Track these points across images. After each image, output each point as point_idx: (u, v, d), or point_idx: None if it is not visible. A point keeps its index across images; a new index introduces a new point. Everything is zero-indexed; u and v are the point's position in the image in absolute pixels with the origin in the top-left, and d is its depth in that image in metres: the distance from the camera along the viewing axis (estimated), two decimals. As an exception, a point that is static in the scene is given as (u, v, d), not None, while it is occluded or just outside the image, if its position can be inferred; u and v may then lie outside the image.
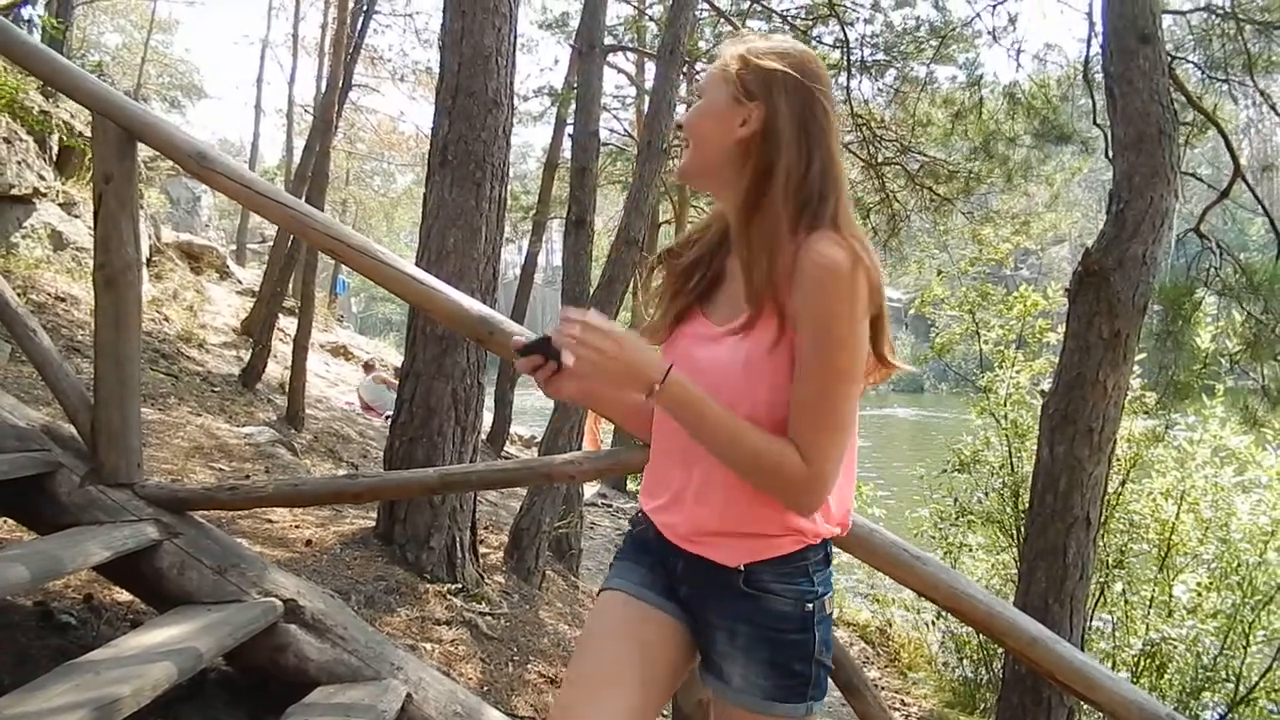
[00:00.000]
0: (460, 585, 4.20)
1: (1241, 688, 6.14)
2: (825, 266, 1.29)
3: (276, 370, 10.90)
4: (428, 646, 3.50)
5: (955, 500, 7.65)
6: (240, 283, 16.11)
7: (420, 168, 28.87)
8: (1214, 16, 4.19)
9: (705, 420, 1.33)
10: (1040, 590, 3.11)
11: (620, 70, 16.20)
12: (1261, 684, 6.12)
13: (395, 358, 16.80)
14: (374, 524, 4.36)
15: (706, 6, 7.89)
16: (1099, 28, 3.52)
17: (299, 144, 19.49)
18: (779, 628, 1.42)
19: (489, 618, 4.16)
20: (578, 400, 1.54)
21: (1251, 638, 6.17)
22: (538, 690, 3.63)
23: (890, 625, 8.44)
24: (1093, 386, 2.98)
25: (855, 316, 1.30)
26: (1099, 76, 3.78)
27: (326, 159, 10.00)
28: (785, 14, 8.00)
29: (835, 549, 2.32)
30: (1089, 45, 4.93)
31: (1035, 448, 7.07)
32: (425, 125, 22.67)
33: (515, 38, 4.53)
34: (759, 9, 8.00)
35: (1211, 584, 6.36)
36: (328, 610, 2.54)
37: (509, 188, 4.68)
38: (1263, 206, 4.23)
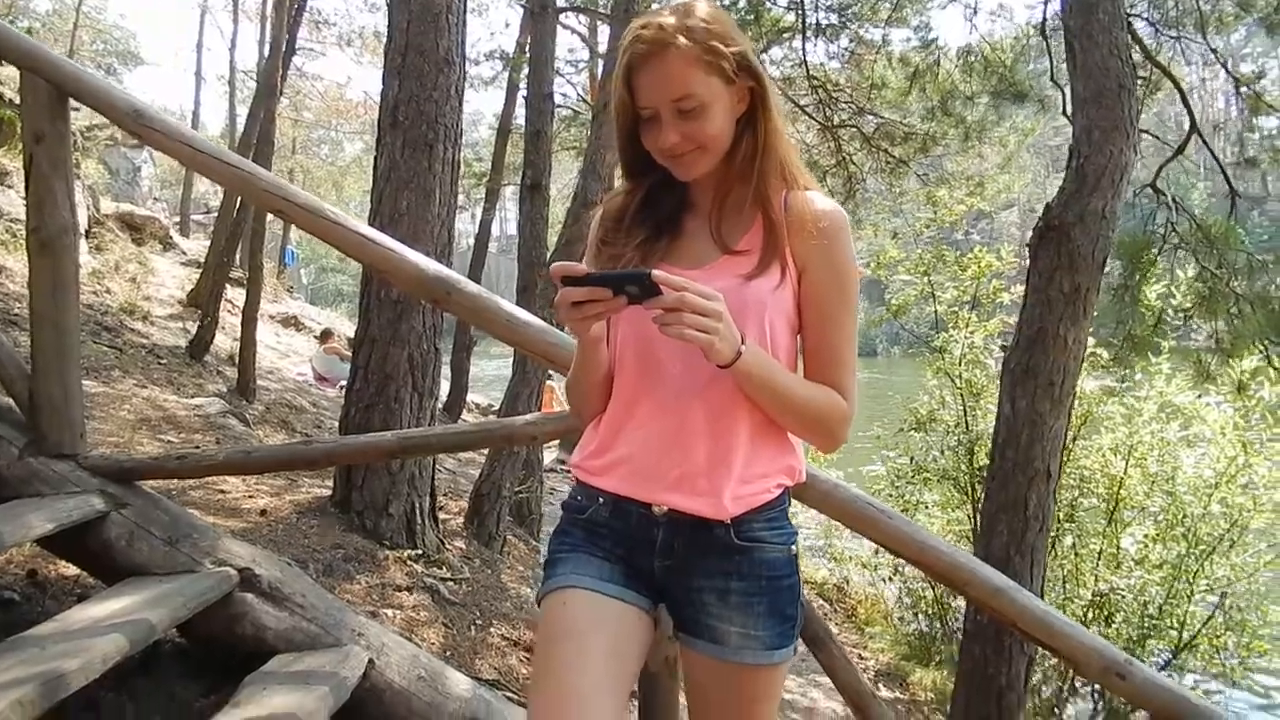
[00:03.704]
0: (420, 551, 4.16)
1: (1185, 635, 6.34)
2: (839, 219, 1.40)
3: (225, 342, 10.66)
4: (389, 613, 3.46)
5: (912, 459, 7.76)
6: (185, 254, 15.68)
7: (369, 135, 28.29)
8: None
9: (778, 378, 1.34)
10: (1002, 542, 3.15)
11: (574, 31, 15.96)
12: (1204, 631, 6.33)
13: (348, 328, 16.55)
14: (330, 492, 4.29)
15: (660, -35, 7.77)
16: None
17: (242, 112, 18.96)
18: (772, 575, 1.41)
19: (450, 583, 4.12)
20: (591, 344, 1.42)
21: (1195, 587, 6.37)
22: (501, 653, 3.61)
23: (848, 583, 8.59)
24: (1054, 340, 3.01)
25: (855, 264, 1.42)
26: (1055, 40, 3.77)
27: (272, 124, 9.71)
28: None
29: (802, 505, 2.33)
30: (1046, 2, 4.94)
31: (988, 407, 7.26)
32: (374, 91, 22.21)
33: (466, -5, 4.40)
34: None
35: (1158, 536, 6.54)
36: (285, 578, 2.48)
37: (462, 151, 4.57)
38: (1218, 162, 4.29)
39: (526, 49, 11.76)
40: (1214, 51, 4.72)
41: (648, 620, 1.44)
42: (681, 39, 1.31)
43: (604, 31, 13.15)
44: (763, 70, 1.41)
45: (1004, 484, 3.12)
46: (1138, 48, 3.54)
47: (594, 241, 1.53)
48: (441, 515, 4.68)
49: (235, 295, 12.41)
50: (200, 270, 12.73)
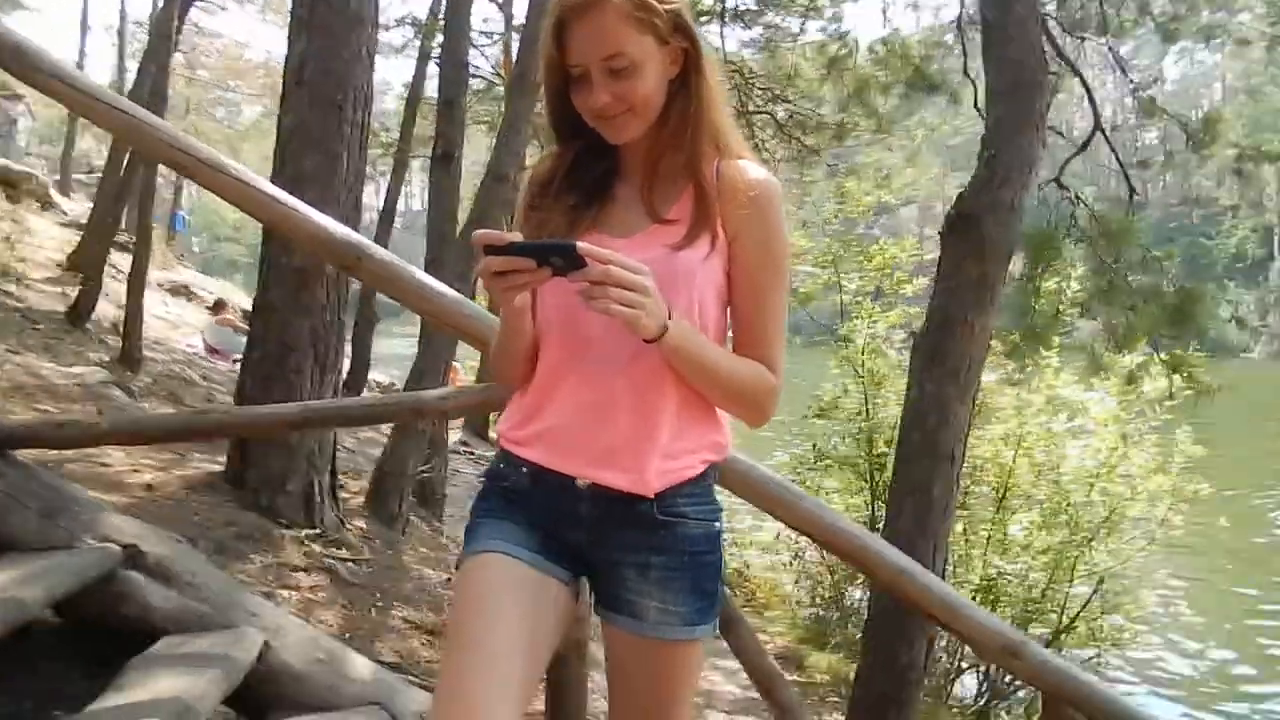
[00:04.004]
0: (319, 531, 4.01)
1: (1064, 618, 6.66)
2: (772, 188, 1.37)
3: (109, 309, 10.07)
4: (285, 594, 3.33)
5: (814, 446, 7.91)
6: (66, 214, 14.76)
7: (269, 99, 27.11)
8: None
9: (708, 351, 1.32)
10: (907, 525, 3.23)
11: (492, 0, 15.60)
12: (1082, 614, 6.66)
13: (243, 301, 15.91)
14: (223, 467, 4.09)
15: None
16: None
17: (132, 66, 17.90)
18: (693, 551, 1.39)
19: (350, 564, 4.00)
20: (514, 316, 1.37)
21: (1075, 572, 6.70)
22: (402, 635, 3.51)
23: (748, 566, 8.72)
24: (961, 327, 3.09)
25: (787, 236, 1.41)
26: (969, 34, 3.85)
27: (165, 77, 9.17)
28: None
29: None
30: (963, -2, 5.07)
31: (889, 395, 7.46)
32: (277, 53, 21.23)
33: (381, -50, 4.23)
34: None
35: (1043, 523, 6.84)
36: (174, 556, 2.34)
37: (371, 117, 4.41)
38: (1118, 159, 4.49)
39: (440, 16, 11.51)
40: (1114, 54, 4.94)
41: (567, 591, 1.41)
42: None
43: (521, 3, 12.93)
44: (698, 32, 1.37)
45: (909, 467, 3.20)
46: (1049, 45, 3.66)
47: (522, 206, 1.48)
48: (341, 494, 4.53)
49: (120, 260, 11.74)
50: (82, 232, 12.01)
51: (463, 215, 6.19)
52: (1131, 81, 4.89)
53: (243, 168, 2.39)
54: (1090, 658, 6.64)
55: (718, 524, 1.43)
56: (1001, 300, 3.84)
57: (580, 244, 1.17)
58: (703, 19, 8.35)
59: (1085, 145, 4.18)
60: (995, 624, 2.51)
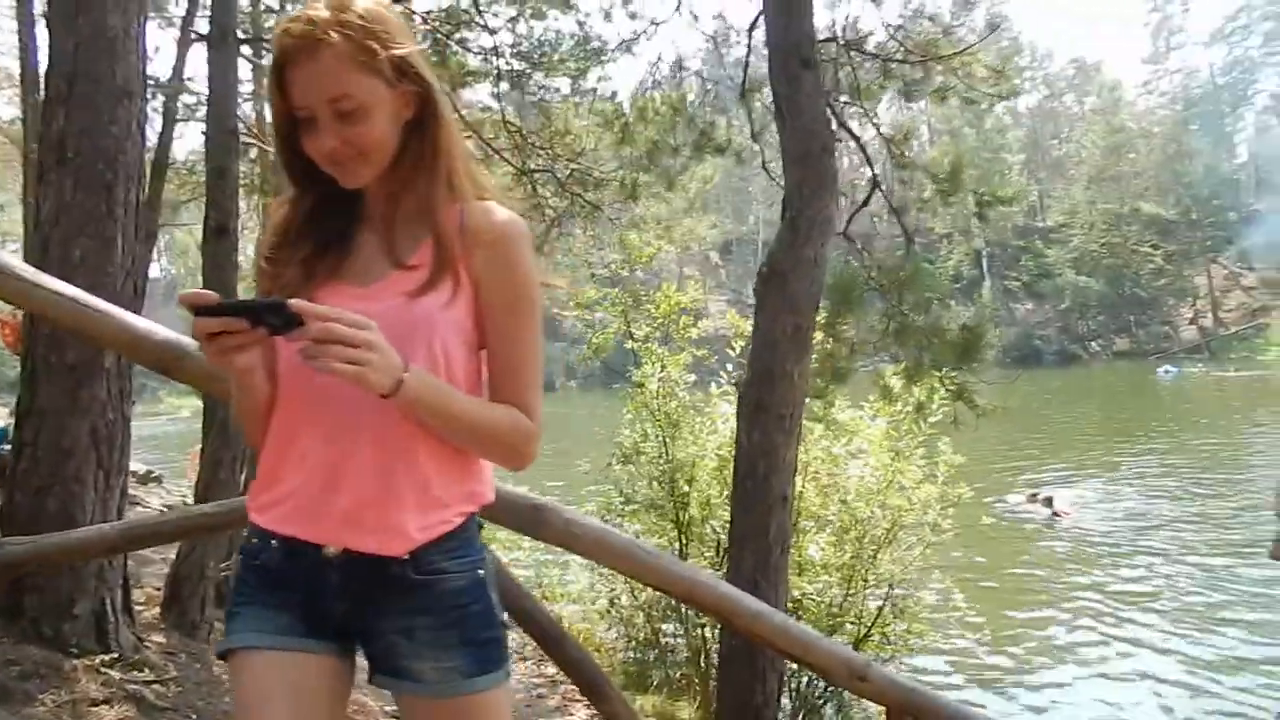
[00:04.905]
0: (116, 655, 3.60)
1: (861, 628, 7.14)
2: (516, 229, 1.35)
3: None
4: (91, 734, 2.96)
5: (621, 492, 8.04)
6: None
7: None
8: (836, 46, 4.85)
9: (453, 402, 1.28)
10: (749, 567, 3.37)
11: (247, 59, 14.75)
12: (876, 623, 7.17)
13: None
14: (-12, 598, 3.58)
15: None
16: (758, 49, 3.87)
17: None
18: (459, 604, 1.35)
19: (156, 685, 3.63)
20: (242, 378, 1.30)
21: (866, 583, 7.21)
22: (230, 756, 3.22)
23: (561, 619, 8.66)
24: (781, 377, 3.30)
25: (537, 277, 1.37)
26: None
27: None
28: (427, 15, 7.84)
29: (569, 554, 2.32)
30: (746, 67, 5.46)
31: (686, 435, 7.74)
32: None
33: (145, 18, 3.96)
34: (400, 10, 7.75)
35: (836, 541, 7.31)
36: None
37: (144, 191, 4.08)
38: (896, 215, 4.98)
39: (184, 76, 10.77)
40: (869, 117, 5.52)
41: (341, 664, 1.37)
42: (334, 34, 1.22)
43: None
44: (431, 76, 1.34)
45: (746, 512, 3.36)
46: (830, 113, 4.03)
47: (258, 259, 1.42)
48: (134, 608, 4.09)
49: None
50: None
51: (243, 288, 5.83)
52: (887, 139, 5.49)
53: (30, 267, 2.18)
54: (888, 659, 7.15)
55: (481, 570, 1.39)
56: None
57: (293, 301, 1.14)
58: (470, 79, 8.41)
59: (866, 201, 4.64)
60: (841, 651, 2.70)
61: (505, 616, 1.43)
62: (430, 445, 1.31)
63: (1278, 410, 26.62)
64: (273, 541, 1.34)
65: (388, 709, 4.33)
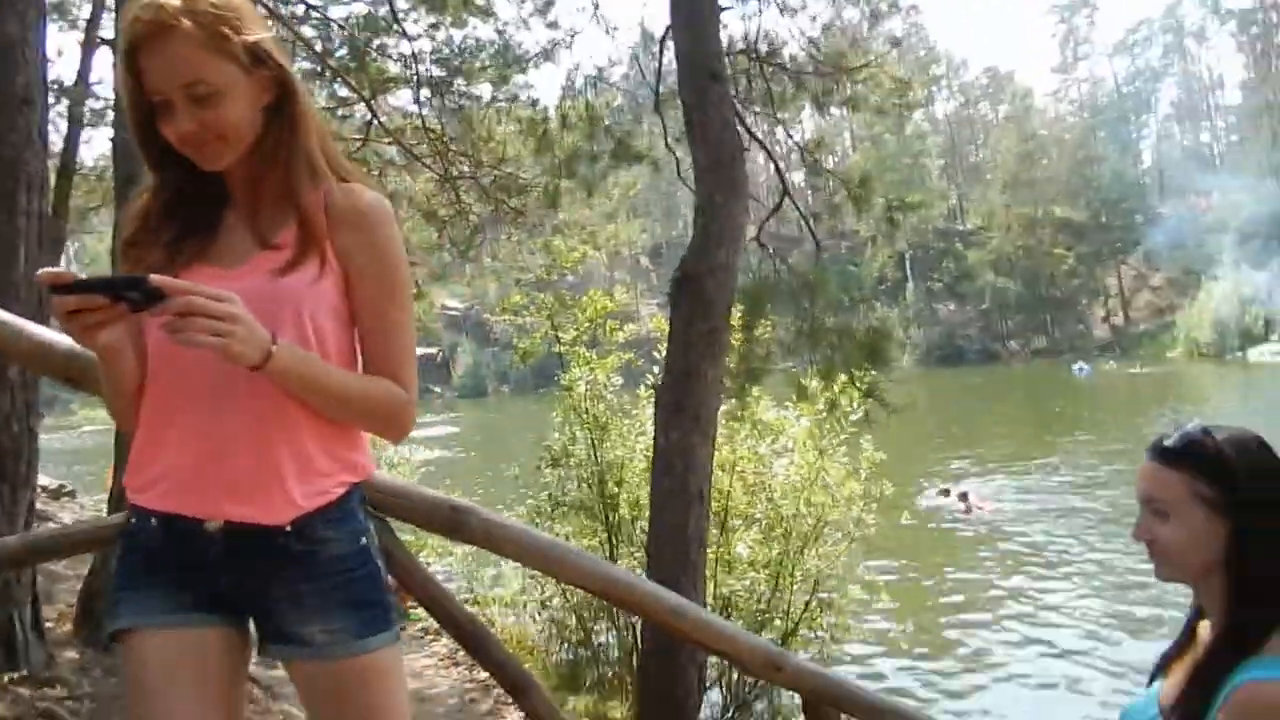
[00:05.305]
0: (25, 673, 3.52)
1: (789, 623, 7.28)
2: (381, 209, 1.39)
3: None
4: (1, 754, 2.90)
5: (549, 495, 8.05)
6: None
7: None
8: (745, 58, 4.98)
9: (324, 374, 1.31)
10: (669, 564, 3.45)
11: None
12: (803, 617, 7.32)
13: None
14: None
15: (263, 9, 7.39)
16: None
17: None
18: (343, 569, 1.38)
19: (69, 702, 3.56)
20: (108, 356, 1.30)
21: (794, 579, 7.36)
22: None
23: (493, 624, 8.63)
24: (697, 378, 3.40)
25: (405, 255, 1.42)
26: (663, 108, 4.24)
27: None
28: (344, 23, 7.78)
29: (490, 554, 2.36)
30: (658, 78, 5.55)
31: (615, 437, 7.80)
32: None
33: (45, 26, 3.89)
34: (315, 17, 7.68)
35: (763, 538, 7.44)
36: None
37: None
38: (807, 224, 5.14)
39: (89, 81, 10.45)
40: (781, 123, 5.67)
41: (234, 635, 1.39)
42: (185, 20, 1.23)
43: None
44: (287, 61, 1.37)
45: (664, 511, 3.44)
46: (740, 123, 4.15)
47: (120, 243, 1.43)
48: (45, 624, 3.99)
49: None
50: None
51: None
52: (800, 147, 5.66)
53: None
54: (814, 655, 7.31)
55: (364, 538, 1.41)
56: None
57: (153, 276, 1.15)
58: (389, 85, 8.35)
59: (777, 208, 4.77)
60: (758, 642, 2.78)
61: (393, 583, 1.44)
62: (308, 417, 1.33)
63: (1182, 403, 28.03)
64: (152, 520, 1.34)
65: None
